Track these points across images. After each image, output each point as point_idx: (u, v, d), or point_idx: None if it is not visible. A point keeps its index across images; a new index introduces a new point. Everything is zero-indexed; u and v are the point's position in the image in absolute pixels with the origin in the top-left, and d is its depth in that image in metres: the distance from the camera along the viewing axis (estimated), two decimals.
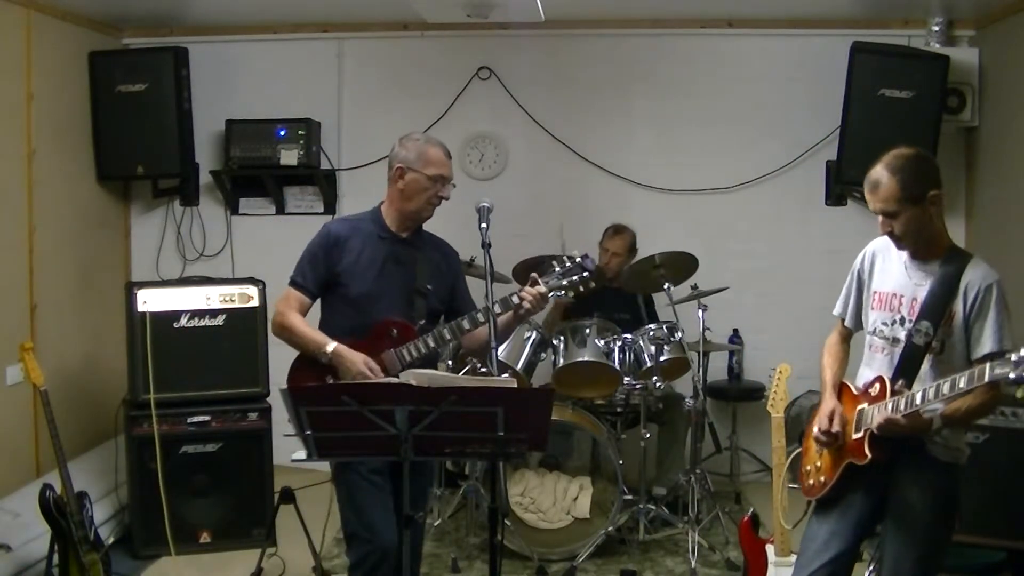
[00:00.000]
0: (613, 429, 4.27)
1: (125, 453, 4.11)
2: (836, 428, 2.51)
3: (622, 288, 4.52)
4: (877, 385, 2.47)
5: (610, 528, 3.98)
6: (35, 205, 4.36)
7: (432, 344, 2.83)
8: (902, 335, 2.48)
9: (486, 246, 2.86)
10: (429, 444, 2.33)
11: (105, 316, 4.81)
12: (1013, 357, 2.08)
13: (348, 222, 2.94)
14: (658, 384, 4.00)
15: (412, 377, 2.33)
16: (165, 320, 4.05)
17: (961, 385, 2.20)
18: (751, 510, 3.46)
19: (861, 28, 4.87)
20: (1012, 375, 2.07)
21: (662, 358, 4.02)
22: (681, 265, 4.25)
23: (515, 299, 2.81)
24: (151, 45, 5.05)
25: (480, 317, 2.83)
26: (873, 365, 2.57)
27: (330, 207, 5.24)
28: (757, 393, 4.89)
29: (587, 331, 4.06)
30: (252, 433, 4.12)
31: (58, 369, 4.33)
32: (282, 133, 4.95)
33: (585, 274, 2.86)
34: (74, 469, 3.58)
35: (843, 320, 2.73)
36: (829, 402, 2.58)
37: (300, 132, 4.96)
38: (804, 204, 5.08)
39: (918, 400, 2.31)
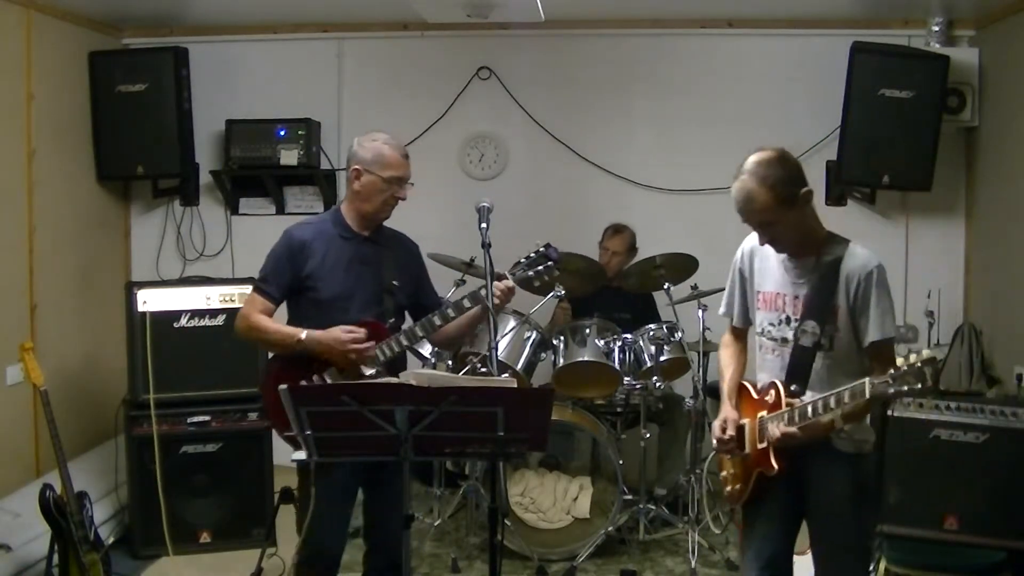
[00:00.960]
0: (613, 429, 4.27)
1: (125, 453, 4.11)
2: (729, 434, 2.51)
3: (622, 288, 4.52)
4: (772, 392, 2.47)
5: (610, 528, 3.98)
6: (35, 205, 4.36)
7: (405, 342, 2.85)
8: (790, 335, 2.46)
9: (486, 246, 2.86)
10: (429, 444, 2.34)
11: (105, 316, 4.81)
12: (891, 372, 2.12)
13: (310, 225, 2.92)
14: (658, 384, 4.00)
15: (412, 377, 2.33)
16: (165, 320, 4.05)
17: (846, 400, 2.23)
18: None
19: (861, 28, 4.86)
20: (891, 390, 2.12)
21: (662, 358, 4.03)
22: (681, 265, 4.25)
23: (483, 293, 2.82)
24: (151, 45, 5.05)
25: (451, 312, 2.85)
26: (765, 367, 2.56)
27: (330, 207, 5.24)
28: None
29: (587, 331, 4.06)
30: (252, 433, 4.12)
31: (58, 369, 4.33)
32: (282, 133, 4.95)
33: (550, 263, 2.91)
34: (74, 469, 3.58)
35: (730, 318, 2.71)
36: (723, 410, 2.58)
37: (300, 132, 4.96)
38: None
39: (809, 412, 2.32)
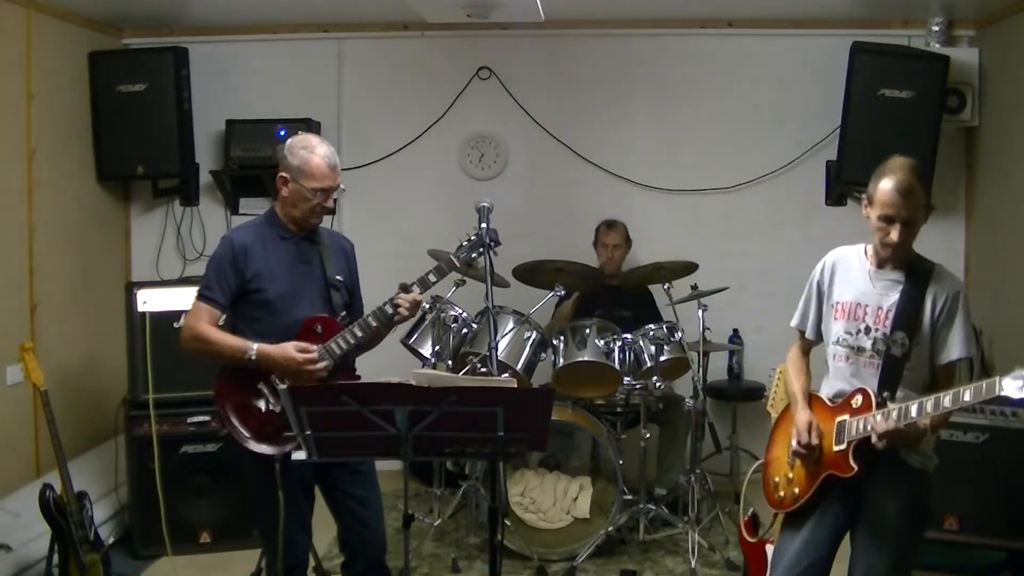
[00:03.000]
0: (613, 429, 4.27)
1: (125, 453, 4.11)
2: (816, 440, 2.50)
3: (622, 286, 4.52)
4: (859, 397, 2.47)
5: (610, 528, 3.98)
6: (35, 205, 4.36)
7: (360, 334, 2.82)
8: (867, 344, 2.50)
9: (486, 246, 2.86)
10: (429, 444, 2.34)
11: (105, 316, 4.81)
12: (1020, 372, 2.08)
13: (248, 229, 2.89)
14: (658, 384, 4.00)
15: (412, 377, 2.34)
16: (165, 320, 4.05)
17: (967, 398, 2.20)
18: (751, 510, 3.47)
19: (861, 28, 4.86)
20: (1018, 396, 2.08)
21: (662, 358, 4.02)
22: (681, 268, 4.26)
23: (389, 308, 2.82)
24: (151, 45, 5.05)
25: (388, 309, 2.84)
26: (838, 375, 2.57)
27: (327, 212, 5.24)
28: (757, 393, 4.89)
29: (587, 331, 4.06)
30: None
31: (58, 369, 4.32)
32: (282, 133, 4.94)
33: (489, 242, 2.89)
34: (74, 469, 3.58)
35: (803, 332, 2.73)
36: (804, 414, 2.57)
37: (300, 132, 4.95)
38: (804, 204, 5.07)
39: (929, 407, 2.28)
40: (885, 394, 2.45)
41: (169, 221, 5.31)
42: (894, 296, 2.50)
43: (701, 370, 4.21)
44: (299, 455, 2.44)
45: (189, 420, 4.06)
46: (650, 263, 4.30)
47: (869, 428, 2.37)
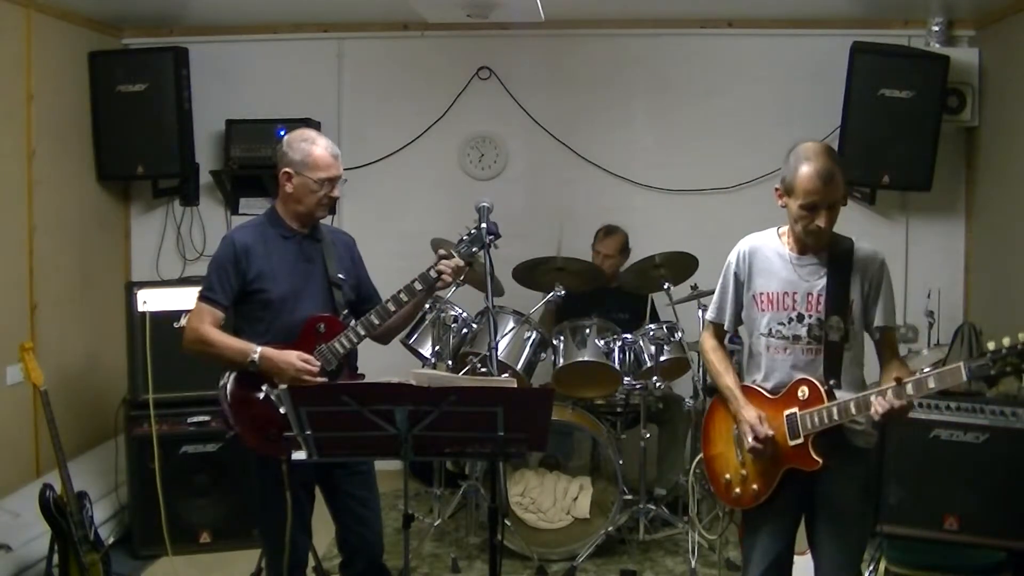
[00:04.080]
0: (613, 429, 4.27)
1: (125, 453, 4.12)
2: (766, 432, 2.48)
3: (620, 288, 4.52)
4: (805, 388, 2.47)
5: (610, 528, 3.98)
6: (35, 205, 4.36)
7: (363, 332, 2.82)
8: (802, 332, 2.50)
9: (486, 245, 2.86)
10: (429, 444, 2.34)
11: (105, 316, 4.81)
12: (990, 352, 2.14)
13: (249, 228, 2.88)
14: (658, 384, 4.00)
15: (412, 377, 2.34)
16: (165, 320, 4.05)
17: (946, 380, 2.24)
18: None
19: (861, 28, 4.86)
20: (993, 372, 2.14)
21: (662, 358, 4.02)
22: (681, 265, 4.25)
23: (433, 273, 2.82)
24: (151, 45, 5.05)
25: (403, 296, 2.84)
26: (775, 367, 2.56)
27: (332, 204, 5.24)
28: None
29: (587, 331, 4.06)
30: None
31: (58, 369, 4.33)
32: (282, 133, 4.92)
33: (490, 237, 2.89)
34: (74, 469, 3.58)
35: (722, 324, 2.73)
36: (750, 410, 2.54)
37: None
38: None
39: (917, 388, 2.30)
40: (832, 382, 2.45)
41: (169, 221, 5.31)
42: (821, 281, 2.49)
43: (701, 370, 4.20)
44: (299, 455, 2.44)
45: (189, 420, 4.06)
46: (645, 258, 4.28)
47: (829, 420, 2.39)
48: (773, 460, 2.52)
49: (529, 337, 4.09)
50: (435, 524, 4.20)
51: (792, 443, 2.47)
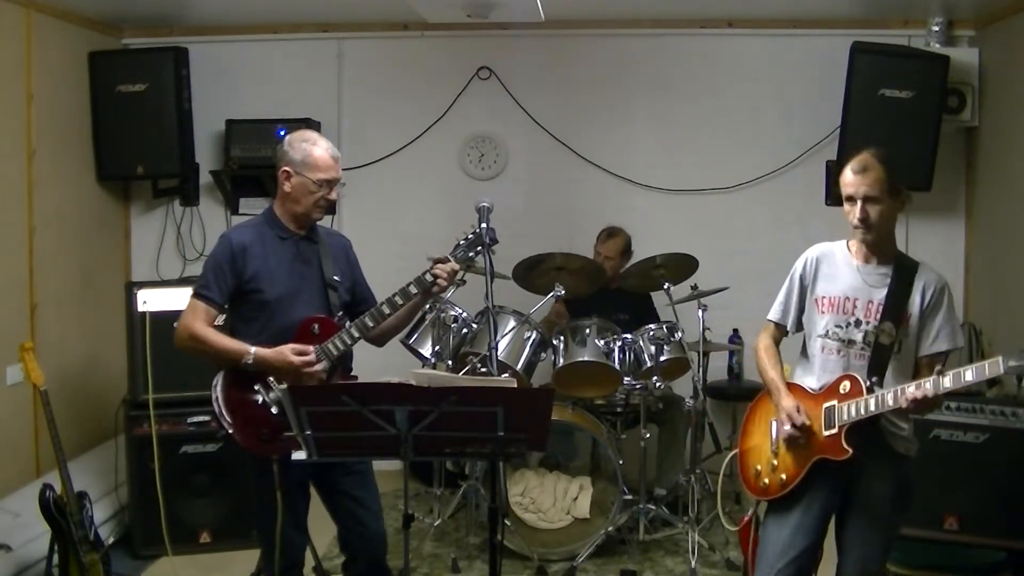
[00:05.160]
0: (613, 429, 4.27)
1: (125, 453, 4.12)
2: (807, 420, 2.53)
3: (621, 289, 4.52)
4: (847, 383, 2.52)
5: (610, 528, 3.98)
6: (35, 205, 4.36)
7: (356, 334, 2.82)
8: (858, 337, 2.56)
9: (486, 245, 2.86)
10: (429, 444, 2.34)
11: (105, 316, 4.81)
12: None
13: (246, 228, 2.88)
14: (658, 384, 4.00)
15: (412, 377, 2.34)
16: (165, 320, 4.03)
17: (983, 374, 2.27)
18: (751, 510, 3.47)
19: (861, 28, 4.87)
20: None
21: (662, 358, 4.02)
22: (681, 265, 4.25)
23: (428, 277, 2.82)
24: (151, 45, 5.05)
25: (399, 299, 2.84)
26: (827, 367, 2.61)
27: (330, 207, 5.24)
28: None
29: (587, 331, 4.05)
30: None
31: (58, 369, 4.33)
32: (282, 133, 4.94)
33: (487, 240, 2.90)
34: (74, 469, 3.58)
35: (783, 325, 2.77)
36: (789, 399, 2.60)
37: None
38: (804, 204, 5.07)
39: (948, 383, 2.32)
40: (874, 379, 2.50)
41: (169, 221, 5.31)
42: (883, 290, 2.56)
43: (701, 370, 4.20)
44: (299, 455, 2.44)
45: (189, 420, 4.06)
46: (645, 258, 4.29)
47: (865, 411, 2.42)
48: (805, 449, 2.55)
49: (529, 337, 4.09)
50: (435, 524, 4.20)
51: (826, 433, 2.51)
